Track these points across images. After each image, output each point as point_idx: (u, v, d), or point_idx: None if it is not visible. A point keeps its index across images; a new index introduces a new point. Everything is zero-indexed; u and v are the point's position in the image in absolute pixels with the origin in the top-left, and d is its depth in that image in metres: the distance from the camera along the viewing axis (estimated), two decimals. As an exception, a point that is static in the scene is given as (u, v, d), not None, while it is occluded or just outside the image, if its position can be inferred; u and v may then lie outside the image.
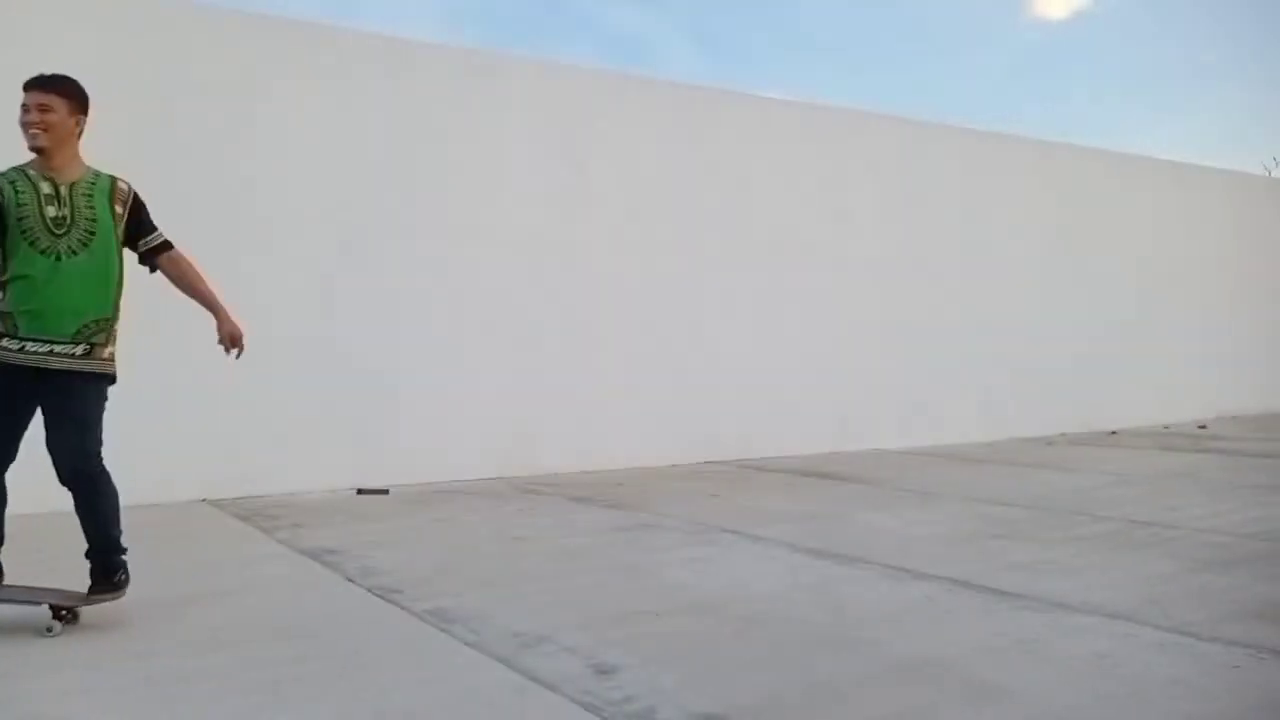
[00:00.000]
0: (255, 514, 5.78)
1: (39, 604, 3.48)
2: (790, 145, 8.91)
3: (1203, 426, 11.04)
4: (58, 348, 3.42)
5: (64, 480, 3.52)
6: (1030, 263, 10.46)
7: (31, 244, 3.39)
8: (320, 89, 6.78)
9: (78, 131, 3.66)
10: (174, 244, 3.89)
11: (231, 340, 3.96)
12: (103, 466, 3.55)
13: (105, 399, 3.59)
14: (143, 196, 3.79)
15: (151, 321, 6.19)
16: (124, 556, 3.61)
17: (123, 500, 5.95)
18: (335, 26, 6.94)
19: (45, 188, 3.48)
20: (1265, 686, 2.89)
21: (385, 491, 6.59)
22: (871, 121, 9.52)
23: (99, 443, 3.55)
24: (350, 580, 4.16)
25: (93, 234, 3.53)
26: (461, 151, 7.28)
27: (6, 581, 3.64)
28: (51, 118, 3.51)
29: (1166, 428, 11.07)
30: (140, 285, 6.17)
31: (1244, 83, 42.93)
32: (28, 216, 3.40)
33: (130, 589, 3.98)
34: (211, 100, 6.41)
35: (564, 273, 7.67)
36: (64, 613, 3.48)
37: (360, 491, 6.60)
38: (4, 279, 3.42)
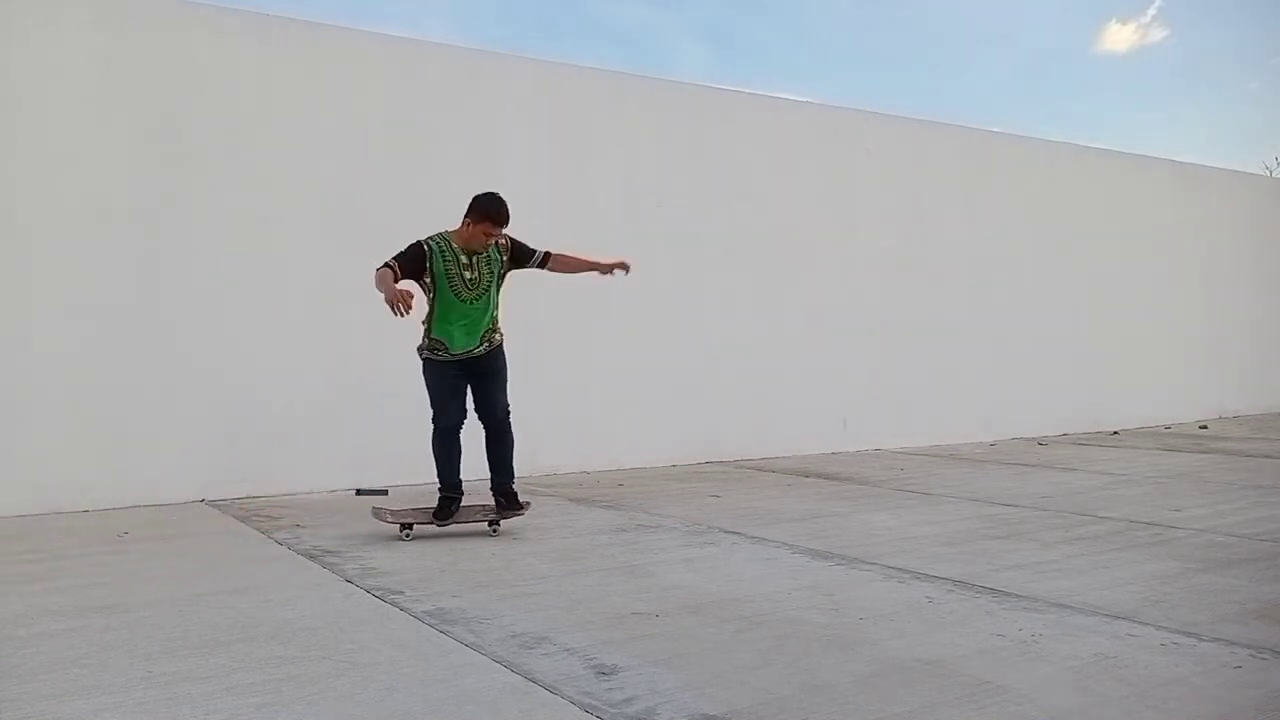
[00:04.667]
0: (255, 514, 5.77)
1: (482, 520, 5.25)
2: (790, 144, 8.91)
3: (1204, 426, 11.04)
4: (474, 350, 5.18)
5: (486, 425, 5.33)
6: (1031, 262, 10.46)
7: (455, 294, 5.08)
8: (320, 88, 6.78)
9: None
10: (552, 251, 5.38)
11: (624, 269, 5.44)
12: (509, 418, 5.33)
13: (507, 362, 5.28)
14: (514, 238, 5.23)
15: (151, 322, 6.21)
16: (514, 483, 5.32)
17: (122, 500, 6.02)
18: (335, 26, 6.94)
19: (463, 258, 5.09)
20: (1267, 687, 2.89)
21: (384, 492, 6.58)
22: (872, 120, 9.52)
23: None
24: (350, 581, 4.15)
25: (490, 279, 5.17)
26: (461, 151, 7.27)
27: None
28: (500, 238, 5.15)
29: (1168, 428, 11.07)
30: (137, 287, 6.19)
31: (1244, 82, 42.88)
32: (453, 277, 5.08)
33: (130, 589, 4.00)
34: (212, 100, 6.41)
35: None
36: (495, 522, 5.24)
37: (359, 492, 6.60)
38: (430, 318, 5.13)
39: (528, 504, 5.36)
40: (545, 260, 5.33)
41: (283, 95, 6.65)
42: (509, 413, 5.35)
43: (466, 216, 5.04)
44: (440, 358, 5.20)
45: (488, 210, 4.99)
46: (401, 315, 4.78)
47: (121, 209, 6.13)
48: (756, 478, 7.38)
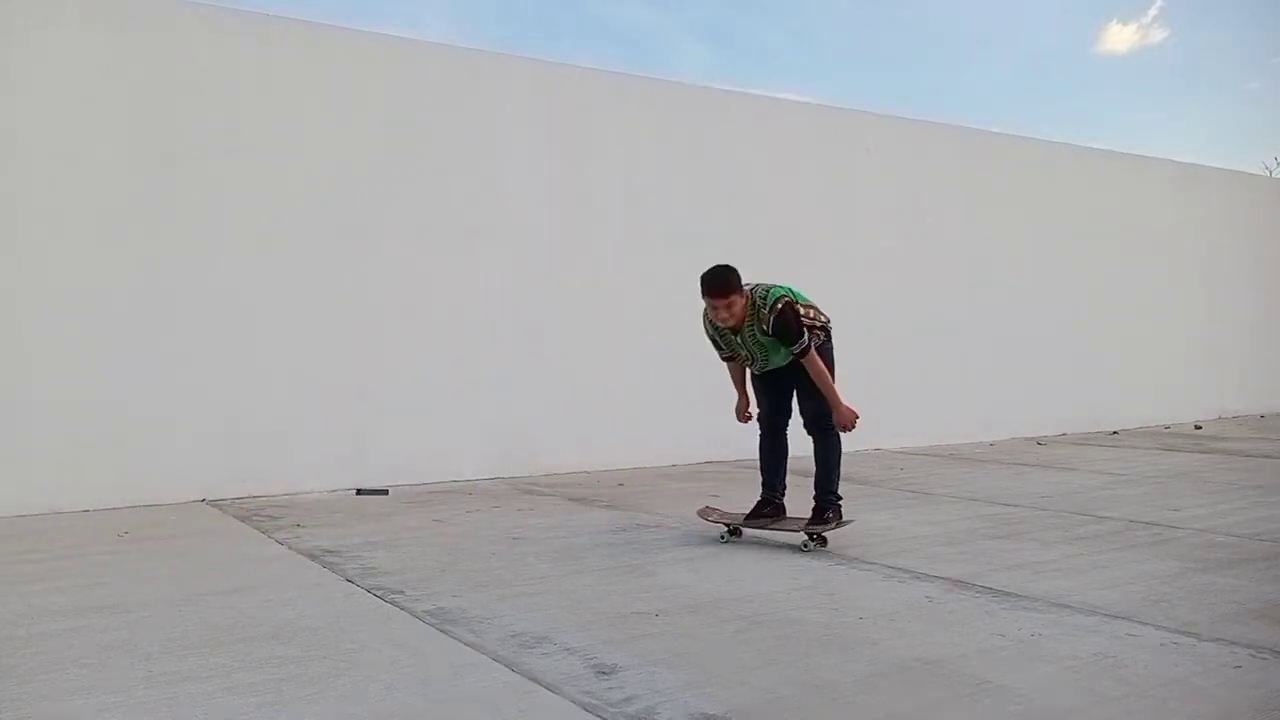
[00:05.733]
0: (255, 514, 5.77)
1: (796, 531, 4.86)
2: (790, 145, 8.90)
3: (1199, 427, 11.03)
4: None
5: (808, 430, 5.04)
6: (1031, 262, 10.46)
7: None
8: (320, 89, 6.78)
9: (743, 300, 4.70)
10: (805, 354, 4.78)
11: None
12: (830, 424, 4.98)
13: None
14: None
15: (151, 322, 6.21)
16: (838, 500, 4.97)
17: (122, 500, 6.01)
18: (335, 26, 6.94)
19: (732, 335, 4.85)
20: (1266, 687, 2.89)
21: (385, 492, 6.58)
22: (872, 120, 9.51)
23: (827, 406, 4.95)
24: (350, 580, 4.15)
25: (765, 353, 4.83)
26: (461, 151, 7.27)
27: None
28: (736, 309, 4.68)
29: (1167, 428, 11.07)
30: (137, 287, 6.18)
31: (1244, 82, 42.90)
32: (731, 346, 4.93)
33: (130, 589, 4.00)
34: (212, 100, 6.41)
35: (564, 273, 7.66)
36: (812, 538, 4.80)
37: (360, 492, 6.60)
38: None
39: (836, 521, 4.87)
40: (797, 358, 4.77)
41: (283, 95, 6.65)
42: (816, 419, 5.00)
43: None
44: None
45: (701, 284, 4.66)
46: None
47: (121, 209, 6.13)
48: (757, 478, 7.36)
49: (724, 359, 5.09)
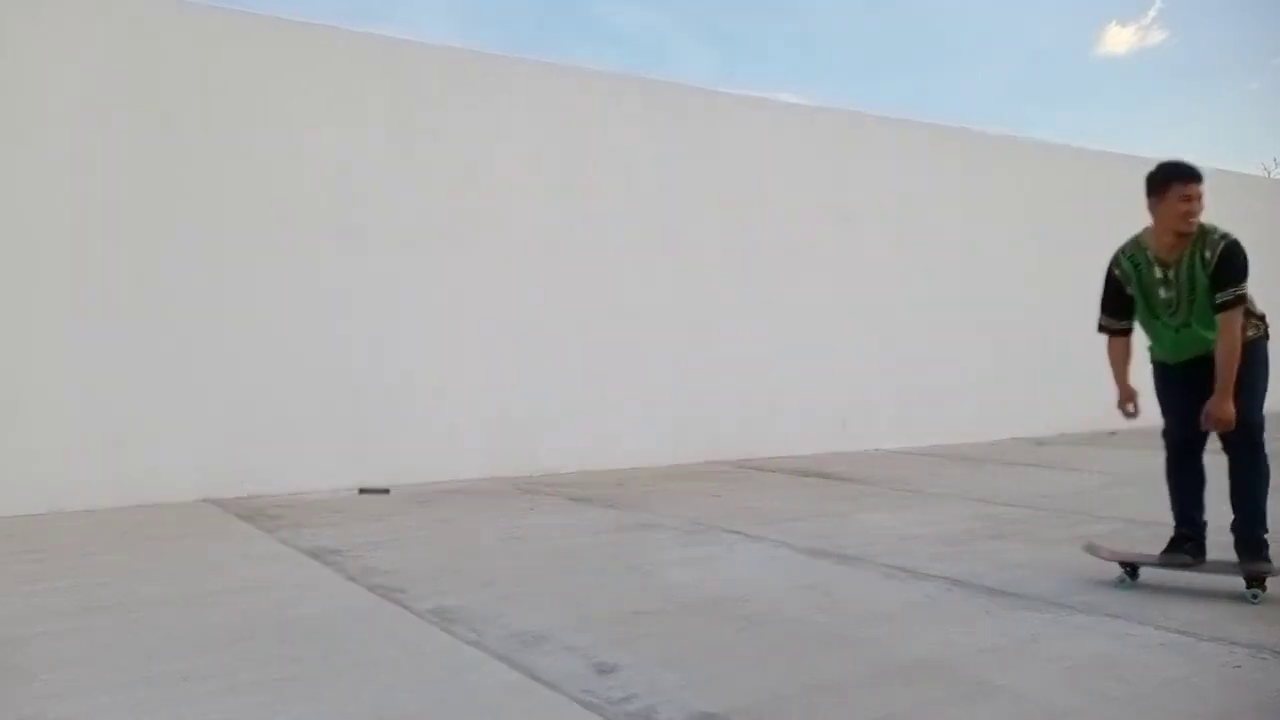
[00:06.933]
0: (257, 513, 5.78)
1: (1236, 575, 3.89)
2: (790, 146, 8.91)
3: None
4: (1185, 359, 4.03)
5: (1223, 445, 3.96)
6: (1030, 263, 10.45)
7: (1154, 315, 4.07)
8: (321, 89, 6.78)
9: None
10: (1228, 310, 3.88)
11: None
12: (1261, 440, 3.90)
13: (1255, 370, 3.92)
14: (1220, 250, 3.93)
15: (151, 322, 6.21)
16: (1265, 534, 3.89)
17: (122, 500, 6.00)
18: (336, 27, 6.94)
19: (1157, 272, 4.03)
20: (1265, 687, 2.89)
21: (386, 491, 6.59)
22: (872, 123, 9.52)
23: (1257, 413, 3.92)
24: (351, 580, 4.16)
25: (1193, 301, 3.94)
26: (461, 151, 7.28)
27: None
28: (1199, 206, 3.95)
29: (1167, 428, 11.05)
30: (137, 287, 6.18)
31: (1244, 83, 42.93)
32: (1150, 298, 4.07)
33: (130, 589, 4.00)
34: (212, 101, 6.41)
35: (564, 273, 7.67)
36: (1254, 582, 3.81)
37: (362, 491, 6.60)
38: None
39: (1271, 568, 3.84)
40: (1219, 309, 3.88)
41: (283, 95, 6.65)
42: (1244, 429, 3.86)
43: (1150, 199, 3.99)
44: (1158, 357, 4.17)
45: (1171, 171, 3.95)
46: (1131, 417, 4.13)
47: (121, 209, 6.13)
48: (756, 478, 7.38)
49: (1111, 329, 4.24)
